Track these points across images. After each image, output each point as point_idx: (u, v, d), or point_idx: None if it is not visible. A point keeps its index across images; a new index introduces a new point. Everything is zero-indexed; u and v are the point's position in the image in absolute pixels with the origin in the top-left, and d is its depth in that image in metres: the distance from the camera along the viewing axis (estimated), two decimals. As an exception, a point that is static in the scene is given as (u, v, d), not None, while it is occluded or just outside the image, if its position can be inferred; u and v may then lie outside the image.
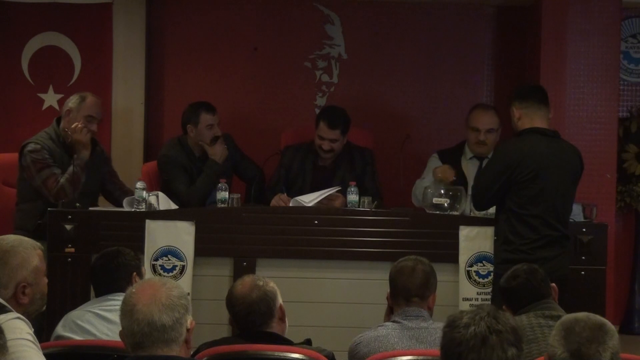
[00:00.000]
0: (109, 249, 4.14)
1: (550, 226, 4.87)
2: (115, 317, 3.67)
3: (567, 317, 2.84)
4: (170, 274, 5.21)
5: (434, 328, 3.70)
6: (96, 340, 3.71)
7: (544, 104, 5.03)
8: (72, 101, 5.69)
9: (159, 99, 6.96)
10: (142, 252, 5.09)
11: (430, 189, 5.46)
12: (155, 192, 5.42)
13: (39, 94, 6.82)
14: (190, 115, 5.90)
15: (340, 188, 5.58)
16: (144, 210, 5.27)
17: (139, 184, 5.34)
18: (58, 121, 5.73)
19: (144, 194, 5.30)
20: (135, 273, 4.01)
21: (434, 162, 5.84)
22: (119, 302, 3.73)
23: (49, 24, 6.81)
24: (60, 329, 3.86)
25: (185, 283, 5.19)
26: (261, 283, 3.51)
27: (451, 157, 5.80)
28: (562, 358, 2.72)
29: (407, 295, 3.80)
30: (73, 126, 5.56)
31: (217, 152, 5.85)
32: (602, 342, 2.72)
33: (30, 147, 5.62)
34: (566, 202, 4.97)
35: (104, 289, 3.97)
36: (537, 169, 4.85)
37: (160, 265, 5.23)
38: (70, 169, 5.53)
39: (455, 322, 2.54)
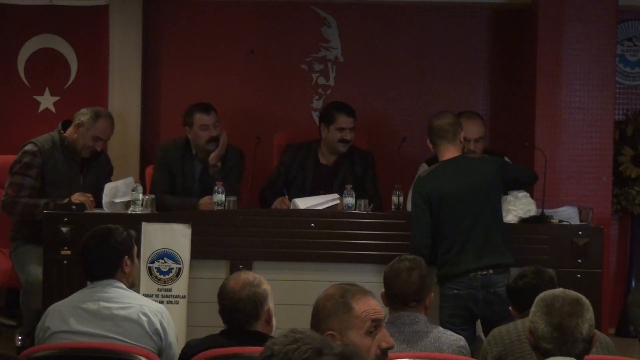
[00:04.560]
0: (99, 227, 3.96)
1: None
2: (114, 311, 3.68)
3: (545, 294, 3.03)
4: (166, 276, 5.21)
5: (426, 332, 3.72)
6: (95, 342, 3.68)
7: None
8: (86, 116, 5.67)
9: (156, 102, 6.95)
10: (138, 255, 5.08)
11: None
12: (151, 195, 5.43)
13: (35, 97, 6.81)
14: (186, 117, 5.88)
15: (338, 197, 5.57)
16: (139, 212, 5.27)
17: (136, 187, 5.35)
18: (64, 124, 5.72)
19: (140, 196, 5.31)
20: (127, 257, 3.87)
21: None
22: (114, 295, 3.73)
23: (45, 26, 6.80)
24: (60, 324, 3.77)
25: (181, 286, 5.19)
26: (254, 283, 3.50)
27: None
28: (544, 332, 2.93)
29: (405, 300, 3.83)
30: (79, 196, 5.46)
31: (214, 156, 5.80)
32: (581, 315, 2.94)
33: (28, 147, 5.63)
34: None
35: (97, 275, 3.84)
36: None
37: (156, 268, 5.23)
38: (42, 202, 5.50)
39: None
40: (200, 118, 5.81)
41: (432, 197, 4.99)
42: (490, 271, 4.91)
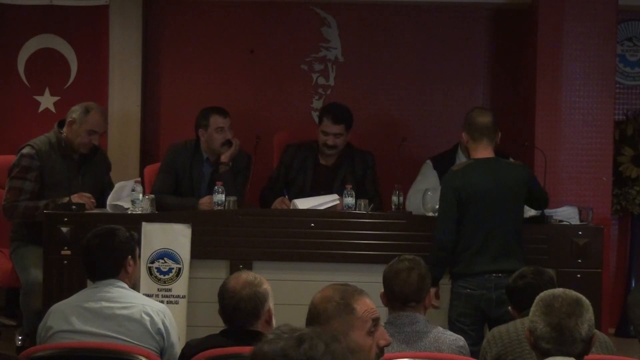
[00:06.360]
0: (102, 227, 3.96)
1: None
2: (116, 311, 3.68)
3: (545, 293, 3.04)
4: (167, 276, 5.21)
5: (425, 332, 3.72)
6: (97, 342, 3.68)
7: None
8: (77, 113, 5.68)
9: (156, 102, 6.95)
10: (139, 255, 5.08)
11: (430, 192, 5.45)
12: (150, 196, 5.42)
13: (35, 97, 6.82)
14: (200, 119, 5.87)
15: (338, 197, 5.57)
16: (139, 212, 5.27)
17: (136, 187, 5.35)
18: (60, 124, 5.74)
19: (140, 196, 5.30)
20: (129, 257, 3.88)
21: (428, 169, 5.83)
22: (116, 294, 3.73)
23: (45, 26, 6.81)
24: (62, 324, 3.77)
25: (181, 286, 5.19)
26: (255, 282, 3.50)
27: (445, 163, 5.79)
28: (543, 332, 2.94)
29: (404, 300, 3.83)
30: (79, 197, 5.47)
31: (227, 154, 5.80)
32: (580, 315, 2.95)
33: (25, 150, 5.64)
34: None
35: (99, 274, 3.84)
36: None
37: (156, 268, 5.23)
38: (42, 203, 5.51)
39: None
40: (216, 120, 5.81)
41: (462, 193, 4.99)
42: (505, 274, 4.92)
